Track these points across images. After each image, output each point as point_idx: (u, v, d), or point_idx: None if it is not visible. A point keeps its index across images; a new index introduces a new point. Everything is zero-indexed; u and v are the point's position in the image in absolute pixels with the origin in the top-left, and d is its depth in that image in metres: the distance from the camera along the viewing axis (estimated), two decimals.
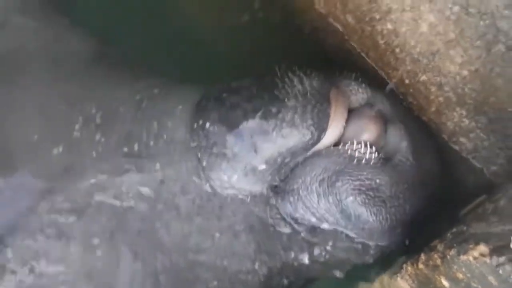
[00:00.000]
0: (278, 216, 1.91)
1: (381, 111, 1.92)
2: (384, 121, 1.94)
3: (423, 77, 2.01)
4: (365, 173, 1.82)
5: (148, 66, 2.24)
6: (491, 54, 1.77)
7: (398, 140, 1.92)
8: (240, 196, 1.88)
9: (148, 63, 2.26)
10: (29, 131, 1.97)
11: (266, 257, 1.93)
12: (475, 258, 1.62)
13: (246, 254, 1.92)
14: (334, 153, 1.85)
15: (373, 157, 1.84)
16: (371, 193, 1.82)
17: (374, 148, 1.85)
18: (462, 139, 2.05)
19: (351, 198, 1.81)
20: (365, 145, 1.84)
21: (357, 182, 1.82)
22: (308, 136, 1.80)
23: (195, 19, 2.69)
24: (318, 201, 1.85)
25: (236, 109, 1.79)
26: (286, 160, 1.83)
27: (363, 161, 1.83)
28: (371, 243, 1.93)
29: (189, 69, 2.52)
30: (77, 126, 1.95)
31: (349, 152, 1.84)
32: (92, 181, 1.90)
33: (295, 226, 1.91)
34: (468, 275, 1.66)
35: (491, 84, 1.84)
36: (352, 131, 1.88)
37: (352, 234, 1.90)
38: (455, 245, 1.70)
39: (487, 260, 1.59)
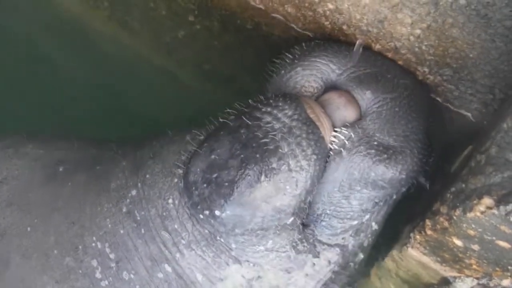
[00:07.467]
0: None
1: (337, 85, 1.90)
2: (349, 96, 1.89)
3: (377, 46, 1.98)
4: (362, 147, 1.82)
5: None
6: (440, 7, 1.74)
7: (368, 95, 1.88)
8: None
9: None
10: None
11: None
12: (482, 213, 1.60)
13: None
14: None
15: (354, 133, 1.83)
16: (379, 152, 1.82)
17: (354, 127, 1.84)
18: (431, 96, 2.03)
19: (373, 172, 1.83)
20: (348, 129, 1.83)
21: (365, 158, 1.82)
22: (317, 167, 1.75)
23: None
24: (349, 204, 1.89)
25: (237, 183, 1.69)
26: (309, 198, 1.80)
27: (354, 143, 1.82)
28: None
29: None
30: None
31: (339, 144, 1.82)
32: None
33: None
34: (480, 229, 1.64)
35: (447, 35, 1.81)
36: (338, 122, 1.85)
37: None
38: (458, 204, 1.68)
39: (495, 211, 1.57)
